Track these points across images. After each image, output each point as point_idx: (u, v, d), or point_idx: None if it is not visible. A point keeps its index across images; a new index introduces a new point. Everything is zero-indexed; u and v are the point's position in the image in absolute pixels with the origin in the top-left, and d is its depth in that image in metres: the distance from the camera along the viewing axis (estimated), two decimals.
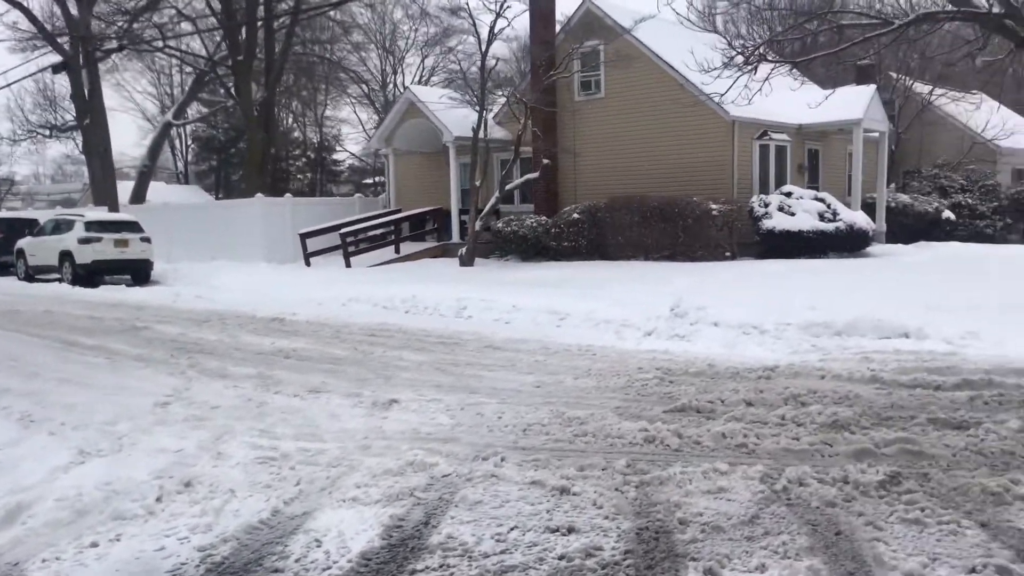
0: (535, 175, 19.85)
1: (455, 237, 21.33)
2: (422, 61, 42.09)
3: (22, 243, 20.48)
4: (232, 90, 29.11)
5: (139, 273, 18.55)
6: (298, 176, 47.68)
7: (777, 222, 17.37)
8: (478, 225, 18.90)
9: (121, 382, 7.07)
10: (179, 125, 39.28)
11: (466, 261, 18.55)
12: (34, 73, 31.02)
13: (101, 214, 20.74)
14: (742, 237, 17.77)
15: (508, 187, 19.68)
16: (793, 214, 17.46)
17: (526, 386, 6.55)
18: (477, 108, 19.11)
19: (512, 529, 3.66)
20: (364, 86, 42.68)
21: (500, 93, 22.07)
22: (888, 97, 26.23)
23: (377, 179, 42.53)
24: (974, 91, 27.44)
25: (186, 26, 29.41)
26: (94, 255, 17.94)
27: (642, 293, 11.45)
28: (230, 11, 26.68)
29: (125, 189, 29.89)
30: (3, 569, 3.41)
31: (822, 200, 18.01)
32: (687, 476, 4.25)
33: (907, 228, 21.41)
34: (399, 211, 23.22)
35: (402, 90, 29.39)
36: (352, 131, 52.48)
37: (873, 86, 20.99)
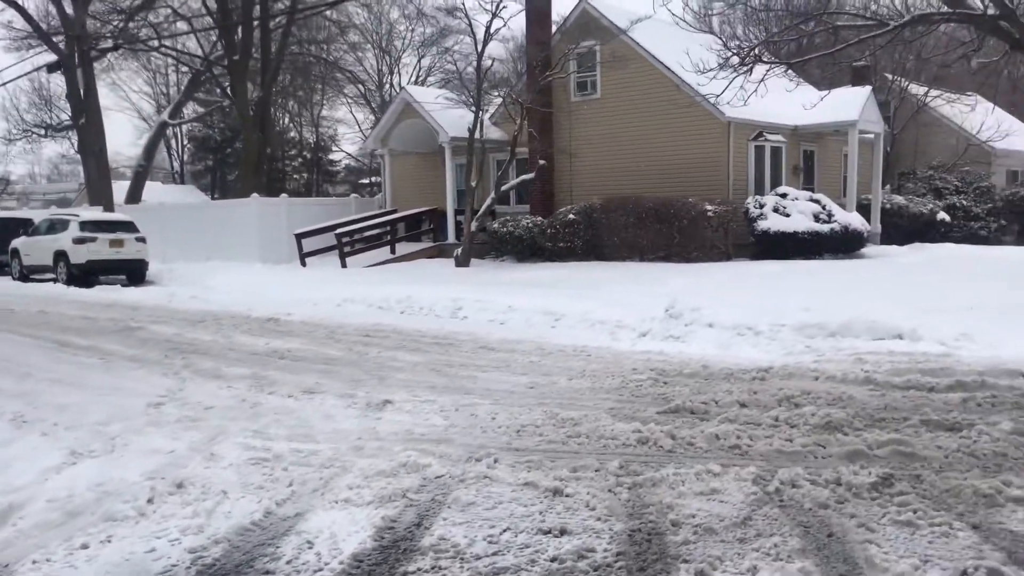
0: (531, 176, 19.85)
1: (451, 238, 21.31)
2: (418, 61, 42.14)
3: (17, 243, 20.43)
4: (228, 90, 29.06)
5: (134, 273, 18.53)
6: (294, 176, 47.67)
7: (772, 223, 17.38)
8: (474, 226, 18.89)
9: (115, 383, 7.05)
10: (175, 125, 39.21)
11: (462, 262, 18.54)
12: (29, 72, 31.00)
13: (96, 214, 20.72)
14: (737, 238, 17.79)
15: (504, 188, 19.67)
16: (788, 215, 17.48)
17: (520, 387, 6.54)
18: (473, 108, 19.10)
19: (505, 531, 3.66)
20: (360, 86, 42.70)
21: (496, 93, 22.06)
22: (883, 98, 26.33)
23: (373, 179, 42.51)
24: (969, 93, 27.50)
25: (182, 25, 29.42)
26: (89, 255, 17.91)
27: (637, 294, 11.46)
28: (226, 10, 26.64)
29: (121, 189, 29.80)
30: None
31: (817, 201, 18.05)
32: (680, 477, 4.24)
33: (902, 229, 21.47)
34: (395, 211, 23.18)
35: (398, 90, 29.35)
36: (348, 131, 52.45)
37: (868, 87, 21.02)
